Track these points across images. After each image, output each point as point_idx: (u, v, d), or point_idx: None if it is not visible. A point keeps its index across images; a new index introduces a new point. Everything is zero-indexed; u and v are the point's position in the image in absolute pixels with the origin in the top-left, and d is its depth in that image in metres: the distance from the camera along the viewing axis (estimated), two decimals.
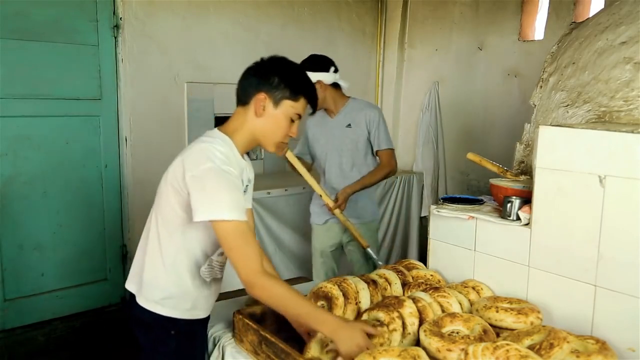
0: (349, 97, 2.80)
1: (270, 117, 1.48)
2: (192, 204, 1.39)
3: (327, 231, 2.86)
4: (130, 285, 1.62)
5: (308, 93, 1.52)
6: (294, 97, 1.48)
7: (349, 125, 2.75)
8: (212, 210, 1.36)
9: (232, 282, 1.72)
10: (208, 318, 1.70)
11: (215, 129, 1.53)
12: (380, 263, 2.61)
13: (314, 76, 2.64)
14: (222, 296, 2.01)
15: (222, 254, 1.56)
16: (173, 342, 1.56)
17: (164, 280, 1.53)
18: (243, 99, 1.50)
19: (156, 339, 1.58)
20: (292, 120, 1.52)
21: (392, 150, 2.78)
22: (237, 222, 1.37)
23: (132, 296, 1.61)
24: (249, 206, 1.68)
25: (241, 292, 1.89)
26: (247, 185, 1.60)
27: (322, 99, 2.69)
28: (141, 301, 1.56)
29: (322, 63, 2.71)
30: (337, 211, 2.63)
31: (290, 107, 1.48)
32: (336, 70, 2.73)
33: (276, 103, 1.47)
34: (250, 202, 1.68)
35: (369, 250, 2.68)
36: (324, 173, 2.85)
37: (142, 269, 1.57)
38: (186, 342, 1.58)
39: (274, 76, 1.47)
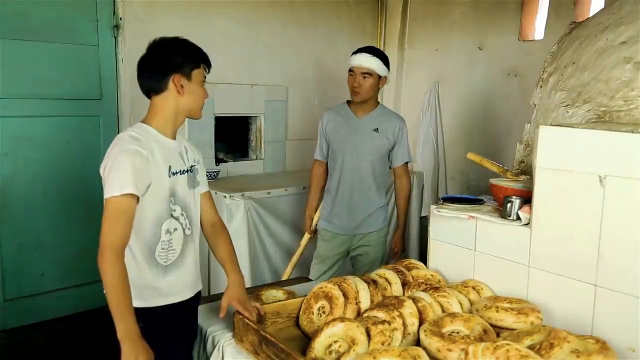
0: (379, 102, 2.77)
1: (190, 90, 1.65)
2: None
3: (333, 238, 2.77)
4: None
5: (202, 55, 1.70)
6: (196, 65, 1.66)
7: (376, 130, 2.66)
8: (109, 188, 1.47)
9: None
10: (194, 301, 1.73)
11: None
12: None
13: (379, 66, 2.59)
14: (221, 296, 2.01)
15: (168, 231, 1.61)
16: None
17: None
18: (157, 89, 1.63)
19: None
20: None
21: (409, 162, 2.82)
22: (120, 198, 1.46)
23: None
24: (205, 187, 1.80)
25: None
26: (192, 166, 1.72)
27: (369, 89, 2.61)
28: None
29: (387, 59, 2.69)
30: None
31: (198, 74, 1.67)
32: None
33: (189, 77, 1.64)
34: (204, 182, 1.80)
35: None
36: (337, 170, 2.71)
37: None
38: (150, 336, 1.53)
39: (174, 57, 1.63)
